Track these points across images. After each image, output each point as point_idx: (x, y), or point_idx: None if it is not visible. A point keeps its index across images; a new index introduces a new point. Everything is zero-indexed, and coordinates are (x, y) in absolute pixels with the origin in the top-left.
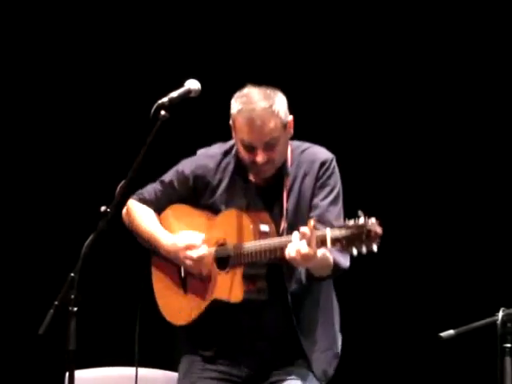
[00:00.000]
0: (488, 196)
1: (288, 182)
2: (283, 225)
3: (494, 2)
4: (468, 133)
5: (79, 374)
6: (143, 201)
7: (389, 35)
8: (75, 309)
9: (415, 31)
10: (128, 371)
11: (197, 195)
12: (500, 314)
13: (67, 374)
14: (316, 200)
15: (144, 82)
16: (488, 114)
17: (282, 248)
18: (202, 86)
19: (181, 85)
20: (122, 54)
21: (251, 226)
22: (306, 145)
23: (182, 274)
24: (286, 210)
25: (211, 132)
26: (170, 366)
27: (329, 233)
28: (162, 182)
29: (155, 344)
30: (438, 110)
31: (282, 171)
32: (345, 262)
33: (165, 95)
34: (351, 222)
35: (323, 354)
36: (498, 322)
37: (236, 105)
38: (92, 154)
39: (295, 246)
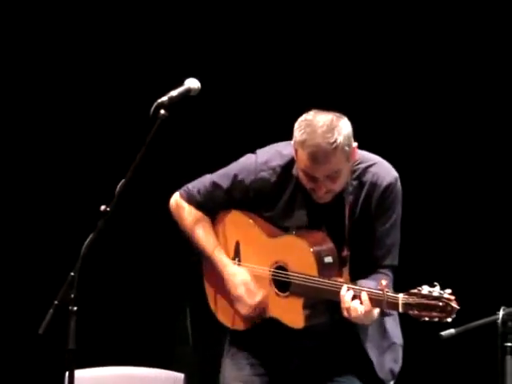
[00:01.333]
0: (488, 195)
1: (349, 204)
2: (346, 252)
3: (494, 2)
4: (463, 135)
5: (79, 373)
6: (197, 204)
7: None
8: (75, 308)
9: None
10: (128, 371)
11: (255, 206)
12: (501, 313)
13: (67, 373)
14: (376, 225)
15: (143, 80)
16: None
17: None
18: (201, 84)
19: (180, 83)
20: (121, 53)
21: (314, 259)
22: (370, 159)
23: None
24: (348, 235)
25: (211, 131)
26: (172, 365)
27: (402, 298)
28: (219, 187)
29: (156, 343)
30: (447, 114)
31: (343, 191)
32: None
33: (164, 94)
34: (425, 291)
35: (387, 353)
36: (499, 320)
37: (299, 133)
38: (91, 154)
39: (355, 303)
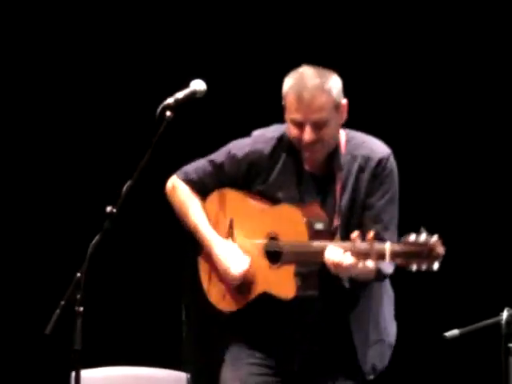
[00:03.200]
0: (491, 196)
1: (341, 176)
2: (336, 222)
3: (494, 2)
4: (463, 133)
5: (85, 373)
6: (190, 182)
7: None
8: (81, 308)
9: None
10: (134, 371)
11: (248, 180)
12: (504, 314)
13: (73, 373)
14: (372, 200)
15: (149, 82)
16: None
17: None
18: (207, 86)
19: (186, 85)
20: (127, 55)
21: (306, 226)
22: (361, 137)
23: None
24: (340, 206)
25: (217, 132)
26: (177, 365)
27: (388, 247)
28: (212, 163)
29: (162, 343)
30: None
31: (334, 162)
32: (388, 269)
33: (170, 96)
34: (412, 238)
35: (372, 347)
36: (503, 321)
37: (287, 83)
38: (98, 155)
39: (339, 255)
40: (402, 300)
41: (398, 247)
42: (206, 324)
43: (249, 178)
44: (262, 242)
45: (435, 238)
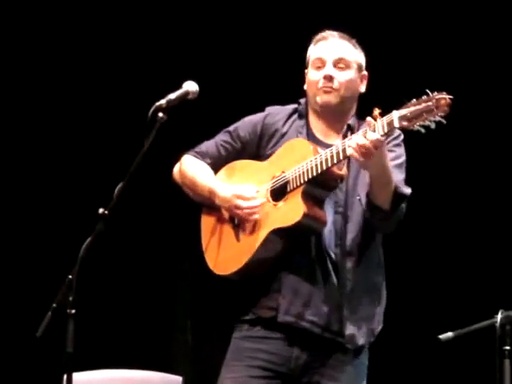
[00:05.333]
0: (487, 198)
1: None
2: (345, 170)
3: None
4: (459, 138)
5: (77, 376)
6: (200, 154)
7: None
8: (73, 311)
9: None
10: (126, 374)
11: (262, 142)
12: (499, 316)
13: (65, 376)
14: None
15: (142, 83)
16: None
17: (344, 145)
18: (200, 87)
19: (179, 87)
20: (119, 56)
21: (311, 148)
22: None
23: (236, 222)
24: (349, 164)
25: (210, 134)
26: (170, 368)
27: (396, 113)
28: (224, 132)
29: (155, 346)
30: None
31: (346, 134)
32: (406, 188)
33: (163, 97)
34: (417, 98)
35: (358, 324)
36: (497, 324)
37: (313, 41)
38: (90, 156)
39: (362, 139)
40: (396, 302)
41: (405, 111)
42: (203, 328)
43: (262, 140)
44: (266, 186)
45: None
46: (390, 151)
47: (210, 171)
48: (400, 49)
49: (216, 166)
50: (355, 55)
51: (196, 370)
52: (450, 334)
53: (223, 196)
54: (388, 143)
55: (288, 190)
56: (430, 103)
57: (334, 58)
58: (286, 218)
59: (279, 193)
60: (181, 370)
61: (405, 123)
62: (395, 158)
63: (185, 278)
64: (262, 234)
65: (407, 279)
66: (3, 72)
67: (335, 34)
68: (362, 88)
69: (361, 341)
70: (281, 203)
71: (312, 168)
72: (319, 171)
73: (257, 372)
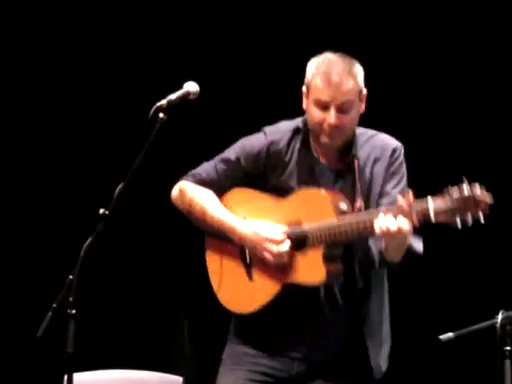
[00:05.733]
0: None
1: (358, 164)
2: (359, 203)
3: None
4: (465, 136)
5: (77, 376)
6: (201, 182)
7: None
8: (74, 311)
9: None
10: (127, 374)
11: (265, 174)
12: (499, 317)
13: (65, 376)
14: (387, 187)
15: (142, 84)
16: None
17: (372, 223)
18: (200, 88)
19: (179, 87)
20: (120, 57)
21: (331, 204)
22: (372, 131)
23: (248, 260)
24: (361, 191)
25: (210, 134)
26: (170, 369)
27: (431, 204)
28: (225, 160)
29: (155, 347)
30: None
31: (350, 153)
32: (418, 246)
33: (163, 97)
34: (455, 192)
35: (380, 348)
36: (498, 324)
37: (313, 66)
38: (90, 157)
39: (392, 222)
40: (397, 302)
41: (441, 203)
42: (199, 326)
43: (266, 171)
44: (282, 231)
45: (477, 186)
46: (394, 174)
47: (218, 201)
48: (400, 48)
49: (218, 194)
50: (356, 87)
51: (196, 371)
52: (450, 335)
53: (247, 235)
54: (392, 164)
55: (307, 244)
56: (469, 201)
57: (338, 104)
58: (305, 274)
59: (297, 242)
60: (181, 371)
61: (440, 218)
62: (399, 181)
63: (184, 279)
64: (279, 280)
65: (407, 280)
66: (3, 72)
67: (338, 67)
68: (362, 109)
69: (384, 367)
70: (299, 255)
71: (335, 235)
72: (342, 240)
73: (258, 377)
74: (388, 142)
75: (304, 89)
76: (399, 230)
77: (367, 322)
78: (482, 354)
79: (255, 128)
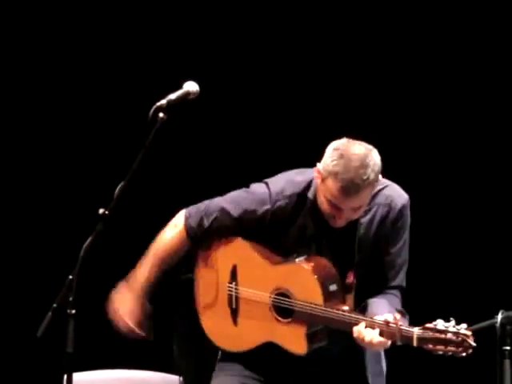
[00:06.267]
0: (487, 199)
1: (364, 227)
2: (351, 279)
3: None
4: (464, 138)
5: (77, 376)
6: (193, 233)
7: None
8: (73, 311)
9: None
10: (126, 374)
11: (265, 233)
12: (499, 317)
13: (65, 376)
14: (389, 246)
15: (142, 84)
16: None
17: (356, 325)
18: (200, 88)
19: (179, 87)
20: (119, 57)
21: (320, 288)
22: (380, 183)
23: (233, 305)
24: (356, 264)
25: (210, 134)
26: (169, 368)
27: (416, 333)
28: (228, 215)
29: (154, 346)
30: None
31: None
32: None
33: (163, 97)
34: (441, 326)
35: (379, 377)
36: (497, 324)
37: (332, 163)
38: (90, 157)
39: (371, 335)
40: None
41: (426, 334)
42: (198, 328)
43: (266, 231)
44: (269, 294)
45: (464, 326)
46: (398, 233)
47: (158, 269)
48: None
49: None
50: (370, 191)
51: (195, 370)
52: None
53: (118, 297)
54: (397, 223)
55: (293, 316)
56: (453, 338)
57: (350, 208)
58: (289, 343)
59: (282, 310)
60: (180, 370)
61: (423, 345)
62: (401, 237)
63: (184, 279)
64: (265, 337)
65: (406, 279)
66: (2, 72)
67: (356, 173)
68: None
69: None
70: (284, 323)
71: (320, 318)
72: (323, 323)
73: (251, 382)
74: (396, 199)
75: (319, 167)
76: (372, 345)
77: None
78: (481, 354)
79: (256, 129)
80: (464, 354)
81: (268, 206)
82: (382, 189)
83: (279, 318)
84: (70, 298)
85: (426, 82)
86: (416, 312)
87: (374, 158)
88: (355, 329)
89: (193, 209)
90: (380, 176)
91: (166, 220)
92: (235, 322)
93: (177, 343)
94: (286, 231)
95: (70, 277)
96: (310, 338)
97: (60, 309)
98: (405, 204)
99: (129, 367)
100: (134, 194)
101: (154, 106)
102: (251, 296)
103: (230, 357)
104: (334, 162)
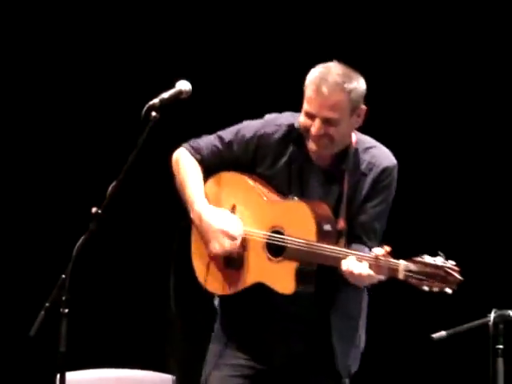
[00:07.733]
0: (481, 197)
1: (347, 178)
2: (342, 224)
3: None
4: (463, 135)
5: (70, 375)
6: (195, 155)
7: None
8: (66, 310)
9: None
10: (119, 373)
11: (253, 163)
12: (492, 315)
13: (58, 375)
14: (367, 205)
15: (135, 83)
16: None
17: (340, 263)
18: (193, 87)
19: (172, 86)
20: (113, 56)
21: (316, 226)
22: (371, 142)
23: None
24: (347, 208)
25: (203, 133)
26: (162, 368)
27: (403, 265)
28: (221, 140)
29: (147, 346)
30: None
31: (343, 162)
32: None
33: (156, 96)
34: (428, 259)
35: (350, 349)
36: (490, 323)
37: (311, 74)
38: (83, 155)
39: (358, 267)
40: (389, 301)
41: (412, 266)
42: (190, 325)
43: (254, 160)
44: (264, 232)
45: (452, 262)
46: (378, 193)
47: (200, 182)
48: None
49: (209, 169)
50: (346, 104)
51: (188, 369)
52: (443, 333)
53: (207, 220)
54: (377, 183)
55: (284, 254)
56: (440, 272)
57: (323, 117)
58: (276, 281)
59: (275, 248)
60: (173, 369)
61: (409, 279)
62: (381, 202)
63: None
64: (253, 278)
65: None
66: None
67: (331, 80)
68: (358, 123)
69: (354, 369)
70: (275, 261)
71: (311, 254)
72: (315, 261)
73: (240, 370)
74: (381, 158)
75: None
76: (362, 277)
77: (337, 322)
78: (474, 353)
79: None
80: (450, 291)
81: (256, 131)
82: (370, 147)
83: (271, 257)
84: (63, 297)
85: (424, 79)
86: (409, 311)
87: (359, 77)
88: (344, 262)
89: (190, 142)
90: (364, 106)
91: (159, 218)
92: (226, 264)
93: (170, 342)
94: (272, 164)
95: (63, 276)
96: (299, 275)
97: (53, 308)
98: (390, 166)
99: (121, 366)
100: (126, 192)
101: (147, 105)
102: (247, 234)
103: (218, 343)
104: (313, 73)
